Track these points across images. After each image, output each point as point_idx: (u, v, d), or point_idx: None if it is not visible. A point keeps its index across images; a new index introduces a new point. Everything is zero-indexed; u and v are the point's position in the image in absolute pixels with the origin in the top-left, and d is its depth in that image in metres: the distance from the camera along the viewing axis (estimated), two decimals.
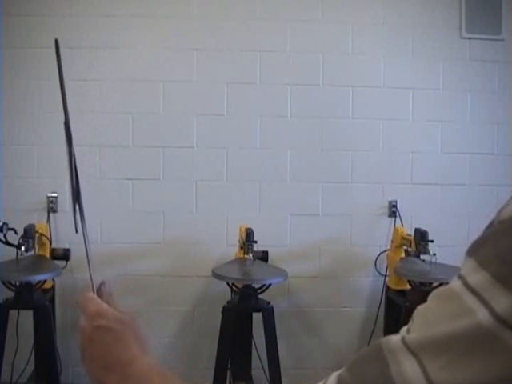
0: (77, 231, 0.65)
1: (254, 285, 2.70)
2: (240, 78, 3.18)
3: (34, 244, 2.70)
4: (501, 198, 3.27)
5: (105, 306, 0.61)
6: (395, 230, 3.11)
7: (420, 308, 0.48)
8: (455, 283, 0.45)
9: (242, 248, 2.84)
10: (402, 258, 3.00)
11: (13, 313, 2.68)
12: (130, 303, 3.19)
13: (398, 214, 3.21)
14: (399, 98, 3.25)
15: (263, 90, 3.20)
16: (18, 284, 2.60)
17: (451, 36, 3.25)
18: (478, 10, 3.23)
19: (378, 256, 3.20)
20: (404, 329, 0.48)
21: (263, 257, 2.98)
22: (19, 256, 2.64)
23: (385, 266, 3.17)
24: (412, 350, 0.44)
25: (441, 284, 2.76)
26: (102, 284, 0.65)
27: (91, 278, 0.65)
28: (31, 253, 2.74)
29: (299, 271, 3.17)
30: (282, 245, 3.20)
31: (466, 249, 0.48)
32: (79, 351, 0.59)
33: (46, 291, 2.78)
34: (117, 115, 3.11)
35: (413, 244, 2.81)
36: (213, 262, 3.04)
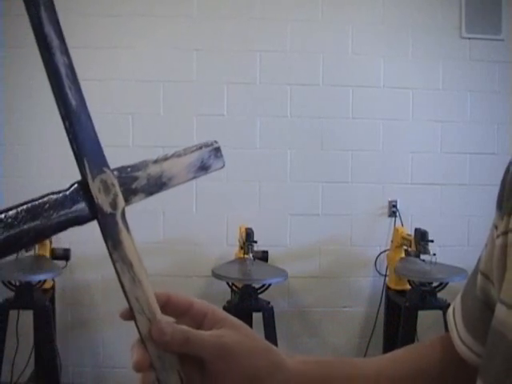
0: None
1: (254, 285, 2.70)
2: (240, 78, 3.18)
3: None
4: None
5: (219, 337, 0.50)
6: (395, 230, 3.11)
7: None
8: None
9: (242, 248, 2.84)
10: (402, 258, 3.00)
11: (13, 313, 2.68)
12: None
13: (398, 213, 3.21)
14: (399, 97, 3.25)
15: (263, 89, 3.20)
16: (18, 284, 2.60)
17: (451, 36, 3.25)
18: (478, 9, 3.23)
19: (378, 256, 3.20)
20: None
21: (263, 257, 2.98)
22: (19, 256, 2.64)
23: (385, 266, 3.17)
24: None
25: (441, 284, 2.76)
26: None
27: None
28: (31, 253, 2.74)
29: (299, 271, 3.17)
30: (282, 245, 3.20)
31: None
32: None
33: (46, 291, 2.78)
34: (117, 115, 3.11)
35: (413, 244, 2.81)
36: (213, 262, 3.04)
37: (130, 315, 0.48)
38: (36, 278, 2.60)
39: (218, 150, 0.57)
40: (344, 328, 3.27)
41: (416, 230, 2.83)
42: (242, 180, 3.19)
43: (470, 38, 3.25)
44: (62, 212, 0.45)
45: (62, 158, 3.05)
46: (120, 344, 3.19)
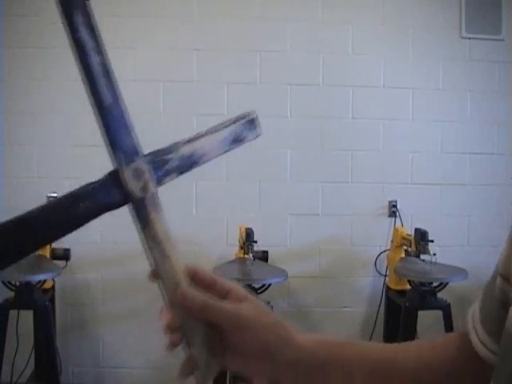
0: None
1: (254, 285, 2.70)
2: (240, 78, 3.18)
3: None
4: (501, 198, 3.28)
5: (235, 308, 0.55)
6: (395, 230, 3.11)
7: None
8: None
9: (241, 248, 2.84)
10: (402, 258, 3.00)
11: (13, 313, 2.68)
12: (130, 303, 3.19)
13: (398, 213, 3.21)
14: (399, 97, 3.25)
15: (263, 89, 3.20)
16: (18, 284, 2.60)
17: (451, 36, 3.25)
18: (478, 10, 3.23)
19: (378, 256, 3.20)
20: None
21: (263, 257, 2.98)
22: None
23: (385, 265, 3.17)
24: None
25: (441, 284, 2.76)
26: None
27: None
28: None
29: (299, 271, 3.17)
30: (282, 245, 3.20)
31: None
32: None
33: (46, 291, 2.78)
34: None
35: (413, 244, 2.81)
36: (213, 262, 3.04)
37: (156, 275, 0.54)
38: (36, 278, 2.60)
39: (253, 120, 0.59)
40: (344, 328, 3.27)
41: (416, 230, 2.83)
42: (242, 180, 3.19)
43: (470, 38, 3.25)
44: (95, 200, 0.50)
45: (62, 158, 3.06)
46: (120, 344, 3.19)
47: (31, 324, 2.70)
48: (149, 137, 3.03)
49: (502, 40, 3.25)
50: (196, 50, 3.16)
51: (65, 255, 2.94)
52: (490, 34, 3.25)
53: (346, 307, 3.27)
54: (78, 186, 0.50)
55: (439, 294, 2.77)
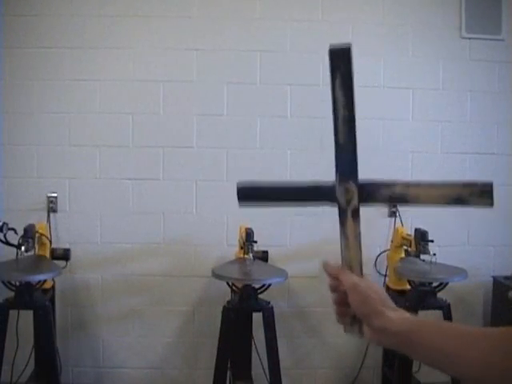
0: None
1: (254, 285, 2.70)
2: (240, 78, 3.18)
3: (33, 244, 2.70)
4: (501, 198, 3.27)
5: (356, 278, 0.81)
6: (395, 230, 3.11)
7: None
8: None
9: (242, 248, 2.84)
10: (402, 258, 3.00)
11: (13, 313, 2.68)
12: (130, 303, 3.19)
13: (397, 214, 3.21)
14: (399, 98, 3.24)
15: (263, 90, 3.20)
16: (18, 284, 2.60)
17: (451, 36, 3.25)
18: (478, 10, 3.23)
19: (378, 256, 3.20)
20: None
21: (263, 257, 2.98)
22: (19, 256, 2.64)
23: (385, 266, 3.17)
24: None
25: (441, 284, 2.76)
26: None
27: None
28: (31, 253, 2.74)
29: (299, 271, 3.17)
30: (282, 245, 3.20)
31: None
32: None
33: (46, 291, 2.78)
34: (117, 115, 3.11)
35: (413, 244, 2.81)
36: (213, 262, 3.04)
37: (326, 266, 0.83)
38: (36, 278, 2.60)
39: (487, 192, 0.72)
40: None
41: (416, 230, 2.83)
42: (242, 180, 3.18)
43: (470, 38, 3.25)
44: (317, 192, 0.84)
45: (62, 158, 3.05)
46: (120, 344, 3.19)
47: (31, 324, 2.70)
48: (149, 137, 3.04)
49: (502, 40, 3.25)
50: (196, 50, 3.16)
51: (65, 255, 2.94)
52: (490, 34, 3.24)
53: None
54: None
55: (439, 294, 2.77)
